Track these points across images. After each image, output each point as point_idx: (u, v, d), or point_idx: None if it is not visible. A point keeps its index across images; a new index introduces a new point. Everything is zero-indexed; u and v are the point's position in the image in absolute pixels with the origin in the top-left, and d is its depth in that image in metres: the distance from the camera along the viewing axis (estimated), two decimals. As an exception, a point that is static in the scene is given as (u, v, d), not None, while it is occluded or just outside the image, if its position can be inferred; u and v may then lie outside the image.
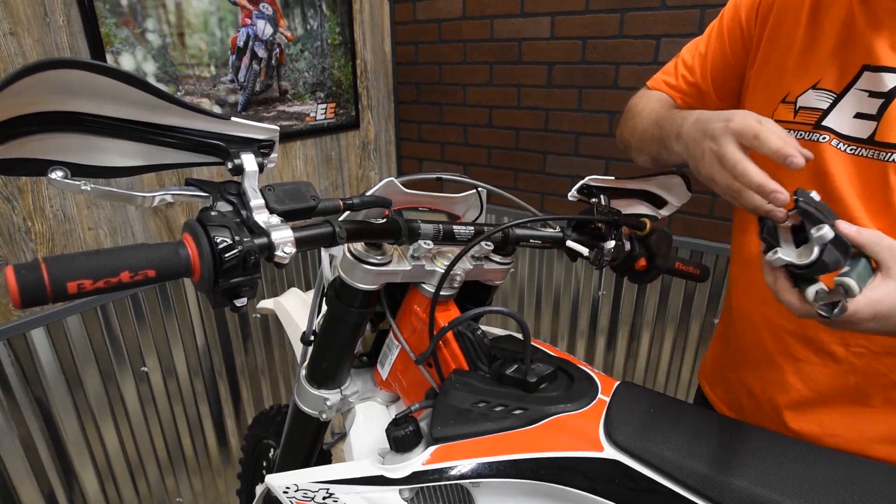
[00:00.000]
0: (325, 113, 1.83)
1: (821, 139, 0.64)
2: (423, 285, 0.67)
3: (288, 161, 1.75)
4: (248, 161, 0.50)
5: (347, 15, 1.80)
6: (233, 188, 0.50)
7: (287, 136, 1.72)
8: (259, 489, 1.08)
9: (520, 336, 0.66)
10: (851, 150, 0.62)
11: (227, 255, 0.43)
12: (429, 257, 0.66)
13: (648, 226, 0.76)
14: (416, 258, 0.64)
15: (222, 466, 1.76)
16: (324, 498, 0.61)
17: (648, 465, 0.50)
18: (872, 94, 0.61)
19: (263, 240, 0.46)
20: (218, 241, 0.43)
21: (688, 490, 0.48)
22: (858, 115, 0.62)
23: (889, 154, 0.59)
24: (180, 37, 1.38)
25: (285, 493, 0.65)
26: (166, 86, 1.38)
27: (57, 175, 0.45)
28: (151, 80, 1.34)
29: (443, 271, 0.65)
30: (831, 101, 0.65)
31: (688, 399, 1.39)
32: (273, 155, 0.52)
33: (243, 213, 0.49)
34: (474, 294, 0.76)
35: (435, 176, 0.72)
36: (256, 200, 0.49)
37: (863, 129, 0.62)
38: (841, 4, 0.64)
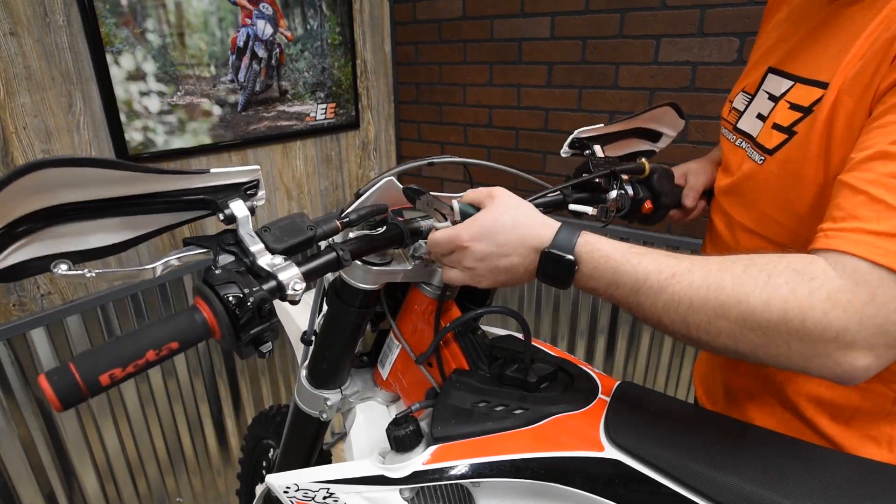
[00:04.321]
0: (325, 113, 1.83)
1: (738, 144, 0.68)
2: (424, 285, 0.67)
3: (288, 161, 1.75)
4: (238, 208, 0.51)
5: (347, 15, 1.80)
6: (230, 238, 0.51)
7: (287, 136, 1.72)
8: (259, 489, 1.08)
9: (520, 336, 0.66)
10: (751, 153, 0.65)
11: (240, 310, 0.44)
12: (429, 257, 0.66)
13: (647, 167, 0.76)
14: (417, 258, 0.64)
15: (222, 466, 1.76)
16: (324, 498, 0.61)
17: (649, 465, 0.50)
18: (770, 97, 0.63)
19: (272, 283, 0.48)
20: (230, 298, 0.44)
21: (688, 490, 0.48)
22: (759, 116, 0.64)
23: (762, 157, 0.61)
24: (180, 37, 1.38)
25: (286, 492, 0.65)
26: (166, 86, 1.38)
27: (61, 269, 0.46)
28: (151, 80, 1.34)
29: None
30: (747, 103, 0.69)
31: (688, 399, 1.39)
32: (260, 194, 0.53)
33: (246, 260, 0.50)
34: (474, 294, 0.76)
35: (427, 161, 0.72)
36: (256, 245, 0.50)
37: (755, 129, 0.64)
38: (789, 5, 0.65)
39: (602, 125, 0.77)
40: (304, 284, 0.50)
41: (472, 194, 0.58)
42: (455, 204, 0.58)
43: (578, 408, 0.58)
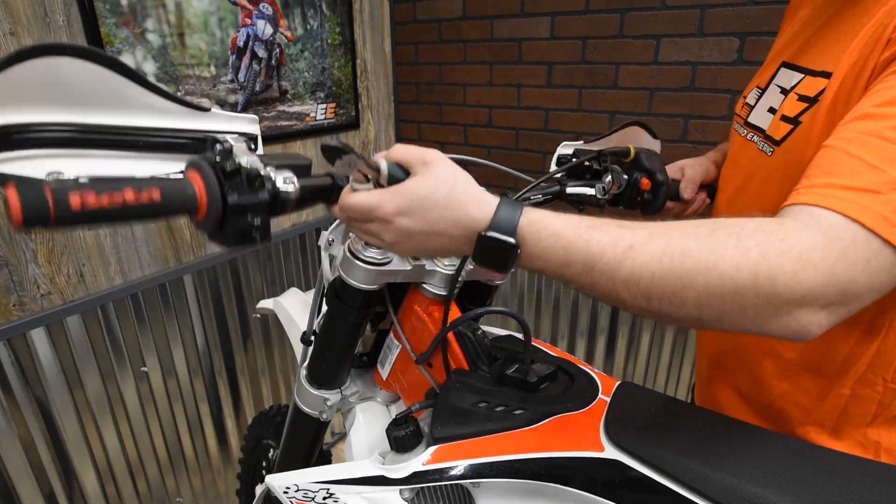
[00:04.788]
0: (325, 113, 1.83)
1: (749, 138, 0.67)
2: (424, 285, 0.67)
3: (288, 161, 1.75)
4: (237, 144, 0.48)
5: (347, 15, 1.80)
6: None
7: (287, 136, 1.72)
8: (259, 489, 1.08)
9: (520, 336, 0.66)
10: (762, 146, 0.64)
11: (230, 184, 0.43)
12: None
13: (632, 150, 0.76)
14: (417, 258, 0.64)
15: (222, 466, 1.76)
16: (324, 498, 0.61)
17: (649, 465, 0.50)
18: (781, 90, 0.63)
19: (267, 177, 0.46)
20: (220, 161, 0.43)
21: (688, 490, 0.48)
22: (770, 110, 0.64)
23: (772, 149, 0.61)
24: (180, 37, 1.38)
25: (285, 493, 0.65)
26: (166, 86, 1.38)
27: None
28: (151, 80, 1.34)
29: (443, 271, 0.65)
30: (758, 97, 0.68)
31: (687, 399, 1.39)
32: (259, 151, 0.52)
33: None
34: (474, 294, 0.76)
35: None
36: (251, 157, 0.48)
37: (765, 123, 0.64)
38: (811, 3, 0.65)
39: (582, 141, 0.78)
40: (296, 187, 0.47)
41: (402, 153, 0.49)
42: (383, 164, 0.49)
43: (578, 408, 0.58)
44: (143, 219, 0.42)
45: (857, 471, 0.49)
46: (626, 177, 0.76)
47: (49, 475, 1.30)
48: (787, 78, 0.62)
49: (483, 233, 0.46)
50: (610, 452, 0.52)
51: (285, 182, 0.47)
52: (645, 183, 0.76)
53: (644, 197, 0.77)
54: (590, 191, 0.72)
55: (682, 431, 0.54)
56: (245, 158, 0.45)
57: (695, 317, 0.43)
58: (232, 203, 0.44)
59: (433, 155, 0.49)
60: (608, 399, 0.59)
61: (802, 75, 0.59)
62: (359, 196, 0.48)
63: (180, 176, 0.45)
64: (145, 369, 1.46)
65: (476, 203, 0.47)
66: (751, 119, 0.68)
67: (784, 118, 0.59)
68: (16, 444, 1.22)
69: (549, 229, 0.46)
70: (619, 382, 0.63)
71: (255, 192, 0.45)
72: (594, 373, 0.65)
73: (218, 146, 0.47)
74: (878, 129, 0.43)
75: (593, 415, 0.57)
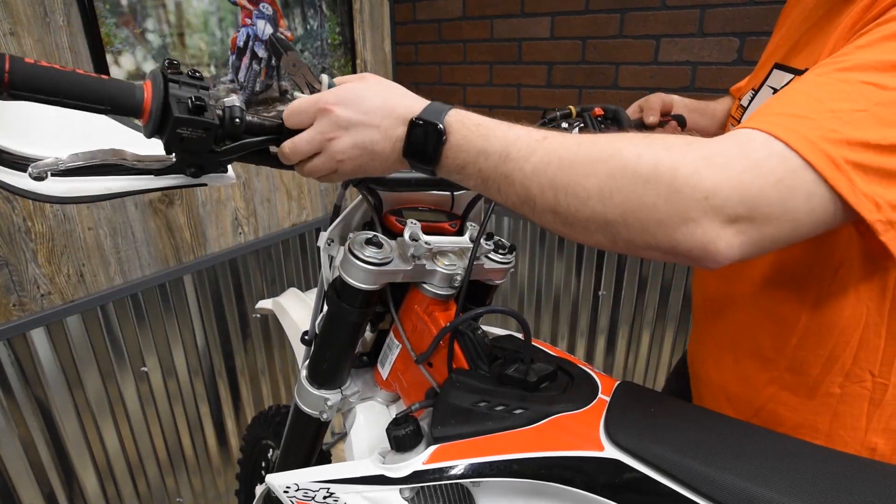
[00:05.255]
0: (325, 113, 1.83)
1: None
2: (424, 285, 0.67)
3: (288, 161, 1.75)
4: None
5: (347, 15, 1.81)
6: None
7: (287, 136, 1.72)
8: (259, 489, 1.08)
9: (520, 336, 0.66)
10: None
11: (179, 105, 0.46)
12: (429, 256, 0.66)
13: (573, 109, 0.80)
14: (417, 258, 0.64)
15: (222, 466, 1.76)
16: (324, 497, 0.61)
17: (649, 465, 0.50)
18: (773, 91, 0.63)
19: (217, 103, 0.50)
20: (175, 93, 0.46)
21: (688, 489, 0.48)
22: None
23: None
24: (180, 37, 1.38)
25: (286, 492, 0.65)
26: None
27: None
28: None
29: (443, 270, 0.65)
30: (751, 99, 0.68)
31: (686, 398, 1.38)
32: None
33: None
34: (474, 293, 0.76)
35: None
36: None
37: None
38: (803, 4, 0.65)
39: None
40: (242, 109, 0.51)
41: (343, 77, 0.55)
42: (325, 77, 0.55)
43: (578, 407, 0.58)
44: (92, 100, 0.45)
45: (857, 470, 0.49)
46: (580, 121, 0.77)
47: (49, 475, 1.30)
48: (779, 79, 0.62)
49: (415, 118, 0.49)
50: (610, 452, 0.52)
51: (232, 108, 0.50)
52: (597, 111, 0.78)
53: (607, 128, 0.79)
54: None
55: (682, 431, 0.54)
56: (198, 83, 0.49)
57: (601, 215, 0.42)
58: (174, 123, 0.46)
59: (369, 74, 0.54)
60: (608, 399, 0.59)
61: (792, 76, 0.59)
62: (301, 98, 0.53)
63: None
64: (145, 369, 1.46)
65: (409, 99, 0.51)
66: (743, 120, 0.69)
67: None
68: (16, 444, 1.22)
69: (473, 120, 0.49)
70: (618, 382, 0.63)
71: (199, 109, 0.48)
72: (594, 372, 0.65)
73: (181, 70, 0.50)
74: (825, 72, 0.43)
75: (593, 414, 0.57)
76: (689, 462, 0.49)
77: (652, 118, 0.82)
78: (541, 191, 0.44)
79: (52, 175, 0.48)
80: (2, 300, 1.17)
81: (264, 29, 1.56)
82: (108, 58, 1.24)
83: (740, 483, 0.46)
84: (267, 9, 1.56)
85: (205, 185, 0.56)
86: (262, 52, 1.57)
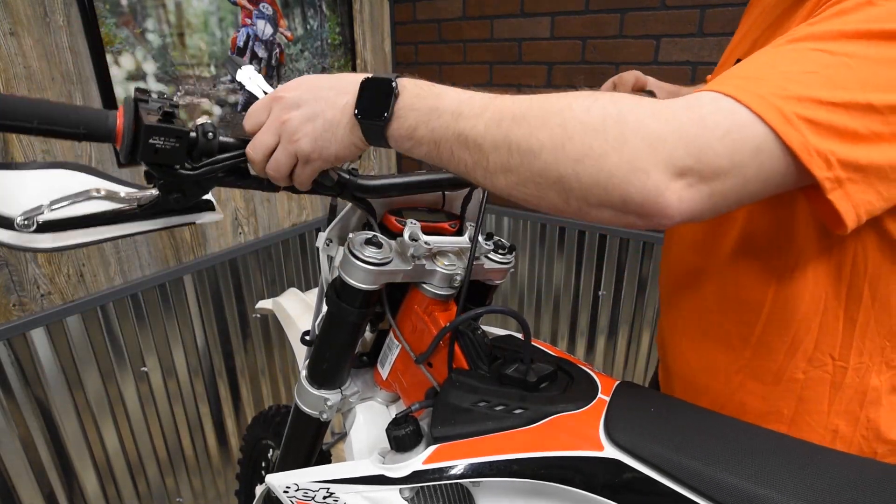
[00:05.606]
0: (325, 113, 1.83)
1: None
2: (424, 285, 0.67)
3: (288, 161, 1.75)
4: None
5: (347, 15, 1.81)
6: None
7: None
8: (259, 489, 1.08)
9: (520, 336, 0.66)
10: None
11: (154, 132, 0.48)
12: (429, 256, 0.66)
13: None
14: (416, 258, 0.64)
15: (222, 466, 1.76)
16: (324, 497, 0.62)
17: (649, 465, 0.50)
18: None
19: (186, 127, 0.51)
20: (147, 121, 0.48)
21: (688, 489, 0.48)
22: None
23: None
24: (180, 37, 1.38)
25: (286, 492, 0.65)
26: (166, 86, 1.38)
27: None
28: (151, 80, 1.34)
29: (443, 270, 0.65)
30: None
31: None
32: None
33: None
34: (474, 293, 0.76)
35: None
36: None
37: None
38: (762, 3, 0.65)
39: None
40: (214, 126, 0.53)
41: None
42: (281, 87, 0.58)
43: (578, 407, 0.58)
44: (66, 125, 0.46)
45: (857, 470, 0.49)
46: None
47: (49, 475, 1.30)
48: None
49: (365, 78, 0.50)
50: (609, 452, 0.52)
51: (204, 125, 0.52)
52: None
53: None
54: None
55: (682, 431, 0.54)
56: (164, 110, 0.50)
57: (554, 171, 0.42)
58: (146, 131, 0.47)
59: None
60: (608, 398, 0.59)
61: None
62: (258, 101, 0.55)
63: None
64: (145, 369, 1.46)
65: (360, 75, 0.51)
66: None
67: None
68: (16, 444, 1.22)
69: (425, 83, 0.49)
70: (618, 382, 0.63)
71: (168, 117, 0.49)
72: (594, 372, 0.65)
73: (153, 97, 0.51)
74: (778, 44, 0.44)
75: (593, 414, 0.57)
76: (689, 462, 0.49)
77: (623, 90, 0.84)
78: (494, 147, 0.44)
79: (40, 220, 0.49)
80: (2, 300, 1.17)
81: (264, 29, 1.56)
82: (108, 58, 1.24)
83: (740, 483, 0.46)
84: (267, 9, 1.56)
85: (193, 223, 0.57)
86: (262, 52, 1.57)
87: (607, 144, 0.39)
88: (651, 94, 0.87)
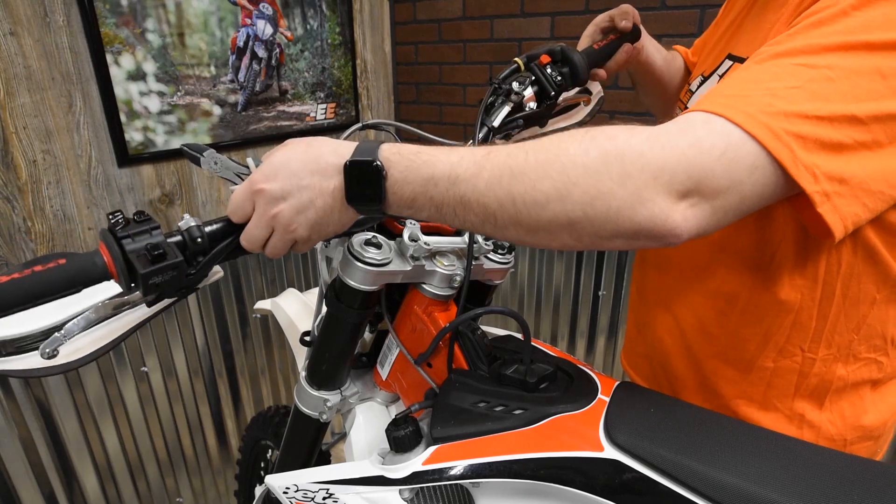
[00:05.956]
0: (326, 113, 1.83)
1: None
2: (424, 285, 0.67)
3: (288, 161, 1.75)
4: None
5: (347, 15, 1.81)
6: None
7: (287, 136, 1.72)
8: (258, 490, 1.08)
9: (520, 336, 0.66)
10: None
11: (139, 258, 0.46)
12: (428, 257, 0.66)
13: (520, 62, 0.75)
14: (416, 258, 0.64)
15: (222, 466, 1.76)
16: (324, 498, 0.62)
17: (649, 465, 0.50)
18: (719, 77, 0.65)
19: (175, 234, 0.50)
20: (129, 246, 0.47)
21: (688, 490, 0.48)
22: None
23: None
24: (180, 37, 1.38)
25: (285, 493, 0.65)
26: (166, 86, 1.38)
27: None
28: (151, 80, 1.34)
29: (443, 271, 0.65)
30: (699, 84, 0.71)
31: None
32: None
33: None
34: (474, 294, 0.76)
35: (360, 126, 0.70)
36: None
37: None
38: None
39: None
40: (199, 226, 0.50)
41: (268, 153, 0.54)
42: (249, 160, 0.55)
43: (578, 408, 0.58)
44: (62, 289, 0.45)
45: (857, 470, 0.49)
46: (529, 77, 0.74)
47: (49, 475, 1.30)
48: (725, 67, 0.64)
49: (348, 161, 0.47)
50: (609, 452, 0.52)
51: (190, 230, 0.50)
52: (543, 58, 0.75)
53: (558, 72, 0.75)
54: (506, 109, 0.70)
55: (681, 431, 0.54)
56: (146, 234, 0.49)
57: (563, 216, 0.42)
58: (143, 279, 0.47)
59: (291, 140, 0.52)
60: (608, 399, 0.59)
61: (732, 62, 0.62)
62: (236, 188, 0.52)
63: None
64: (145, 369, 1.46)
65: (336, 147, 0.49)
66: (689, 104, 0.71)
67: None
68: (16, 444, 1.22)
69: (409, 149, 0.48)
70: (618, 382, 0.63)
71: (160, 257, 0.47)
72: (594, 373, 0.65)
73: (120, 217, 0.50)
74: (760, 59, 0.45)
75: (593, 415, 0.57)
76: (688, 462, 0.49)
77: (625, 23, 0.81)
78: (499, 205, 0.44)
79: (61, 350, 0.49)
80: (2, 300, 1.17)
81: (264, 29, 1.56)
82: (108, 58, 1.24)
83: (740, 483, 0.46)
84: (267, 9, 1.55)
85: (198, 289, 0.56)
86: (262, 52, 1.57)
87: (612, 182, 0.40)
88: (637, 31, 0.82)
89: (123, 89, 1.28)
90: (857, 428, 0.63)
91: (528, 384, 0.60)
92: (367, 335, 0.82)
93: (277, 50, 1.62)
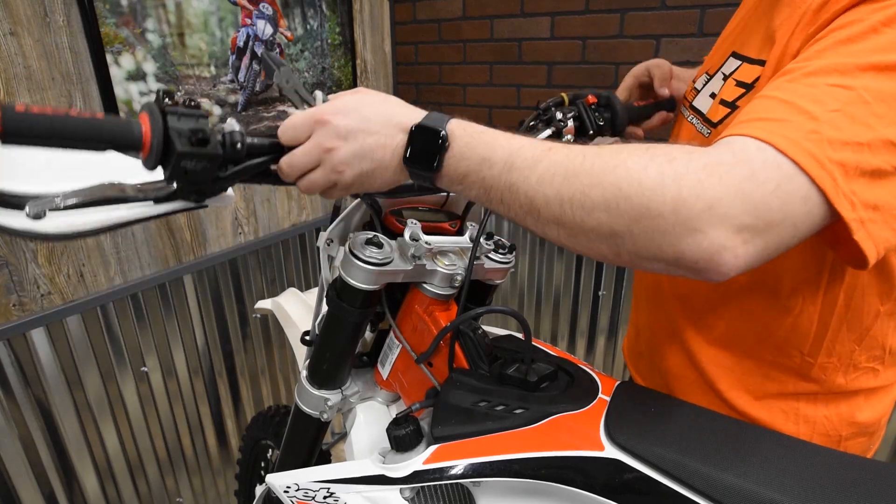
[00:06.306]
0: (325, 113, 1.83)
1: (690, 119, 0.71)
2: (425, 285, 0.67)
3: (288, 161, 1.75)
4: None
5: (347, 15, 1.81)
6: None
7: (287, 136, 1.72)
8: (259, 490, 1.08)
9: (520, 336, 0.66)
10: (700, 127, 0.67)
11: (180, 138, 0.45)
12: (429, 256, 0.66)
13: (565, 96, 0.78)
14: (417, 258, 0.64)
15: (222, 466, 1.76)
16: (324, 497, 0.62)
17: (649, 465, 0.50)
18: (724, 77, 0.65)
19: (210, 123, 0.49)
20: (174, 125, 0.46)
21: (688, 489, 0.48)
22: (711, 94, 0.66)
23: (709, 130, 0.64)
24: (180, 37, 1.38)
25: (286, 492, 0.65)
26: (166, 86, 1.38)
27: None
28: (151, 80, 1.34)
29: (444, 270, 0.65)
30: (705, 83, 0.71)
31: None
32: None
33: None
34: (474, 293, 0.76)
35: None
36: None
37: (706, 106, 0.66)
38: None
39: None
40: (242, 133, 0.50)
41: (337, 94, 0.55)
42: (318, 94, 0.55)
43: (578, 407, 0.58)
44: (89, 139, 0.44)
45: (857, 470, 0.49)
46: (573, 111, 0.77)
47: (49, 475, 1.30)
48: (731, 65, 0.64)
49: (416, 124, 0.49)
50: (610, 452, 0.52)
51: (233, 133, 0.49)
52: (590, 98, 0.77)
53: (601, 115, 0.78)
54: (546, 132, 0.73)
55: (682, 430, 0.54)
56: (196, 110, 0.48)
57: (607, 227, 0.42)
58: (178, 158, 0.46)
59: (364, 87, 0.54)
60: (608, 398, 0.59)
61: (741, 62, 0.62)
62: (296, 112, 0.52)
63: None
64: (145, 369, 1.46)
65: (408, 108, 0.52)
66: (695, 103, 0.71)
67: (722, 102, 0.61)
68: (16, 444, 1.22)
69: (475, 128, 0.49)
70: (619, 382, 0.63)
71: (202, 142, 0.47)
72: (594, 372, 0.65)
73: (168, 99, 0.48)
74: (794, 78, 0.44)
75: (593, 414, 0.57)
76: (689, 462, 0.49)
77: (664, 90, 0.84)
78: (546, 202, 0.44)
79: (50, 213, 0.47)
80: (2, 300, 1.17)
81: (264, 29, 1.56)
82: (108, 58, 1.24)
83: (740, 483, 0.46)
84: (267, 9, 1.55)
85: (206, 206, 0.55)
86: (262, 52, 1.57)
87: (665, 205, 0.40)
88: (672, 103, 0.86)
89: (123, 89, 1.28)
90: (852, 424, 0.63)
91: (528, 384, 0.60)
92: (368, 335, 0.82)
93: (277, 50, 1.62)
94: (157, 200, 0.52)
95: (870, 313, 0.57)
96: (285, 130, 0.52)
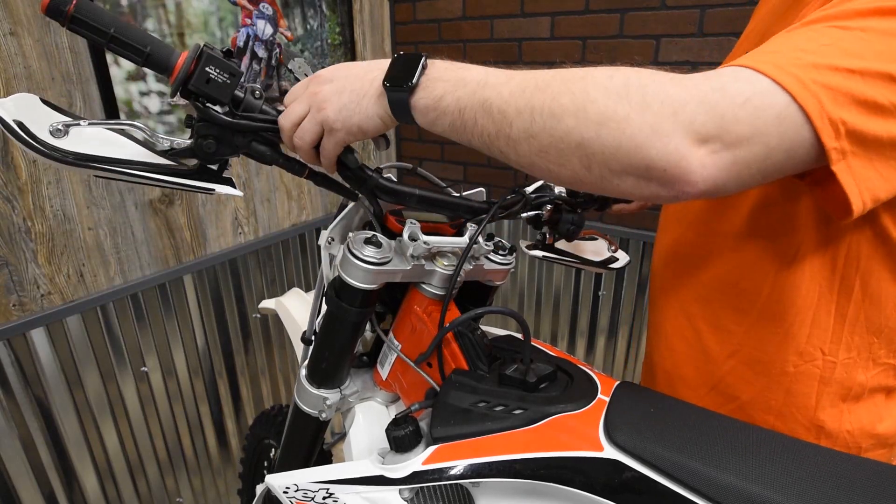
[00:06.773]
0: (325, 113, 1.83)
1: None
2: (423, 285, 0.67)
3: (288, 161, 1.75)
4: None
5: (347, 15, 1.81)
6: None
7: (287, 136, 1.72)
8: (260, 489, 1.08)
9: (520, 336, 0.66)
10: None
11: (210, 82, 0.53)
12: (428, 257, 0.66)
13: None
14: (416, 258, 0.64)
15: (222, 466, 1.76)
16: (324, 498, 0.62)
17: (648, 465, 0.50)
18: None
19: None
20: (209, 68, 0.53)
21: (688, 490, 0.48)
22: None
23: None
24: (180, 37, 1.38)
25: (285, 492, 0.65)
26: (166, 86, 1.38)
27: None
28: (151, 80, 1.34)
29: (442, 271, 0.65)
30: None
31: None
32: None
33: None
34: (474, 294, 0.76)
35: None
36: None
37: None
38: None
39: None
40: (262, 91, 0.59)
41: None
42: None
43: (578, 408, 0.58)
44: (130, 42, 0.52)
45: (857, 470, 0.49)
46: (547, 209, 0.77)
47: (49, 475, 1.30)
48: None
49: (396, 55, 0.53)
50: (609, 452, 0.52)
51: (255, 86, 0.58)
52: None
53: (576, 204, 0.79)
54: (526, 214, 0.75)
55: (681, 431, 0.54)
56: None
57: (576, 135, 0.42)
58: (206, 59, 0.52)
59: None
60: (608, 399, 0.59)
61: None
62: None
63: None
64: (145, 369, 1.46)
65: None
66: None
67: None
68: (16, 444, 1.22)
69: (449, 60, 0.53)
70: (618, 382, 0.63)
71: (229, 54, 0.54)
72: (594, 373, 0.65)
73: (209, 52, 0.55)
74: (792, 28, 0.45)
75: (593, 414, 0.57)
76: (688, 462, 0.49)
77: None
78: (517, 113, 0.45)
79: (72, 132, 0.53)
80: (2, 300, 1.17)
81: (264, 29, 1.56)
82: (108, 58, 1.24)
83: (740, 483, 0.46)
84: (267, 9, 1.55)
85: (212, 191, 0.59)
86: (262, 52, 1.57)
87: (630, 108, 0.40)
88: None
89: (123, 89, 1.28)
90: (872, 436, 0.62)
91: (527, 384, 0.60)
92: (368, 334, 0.82)
93: (277, 50, 1.62)
94: (174, 151, 0.58)
95: (889, 303, 0.56)
96: (289, 94, 0.59)
